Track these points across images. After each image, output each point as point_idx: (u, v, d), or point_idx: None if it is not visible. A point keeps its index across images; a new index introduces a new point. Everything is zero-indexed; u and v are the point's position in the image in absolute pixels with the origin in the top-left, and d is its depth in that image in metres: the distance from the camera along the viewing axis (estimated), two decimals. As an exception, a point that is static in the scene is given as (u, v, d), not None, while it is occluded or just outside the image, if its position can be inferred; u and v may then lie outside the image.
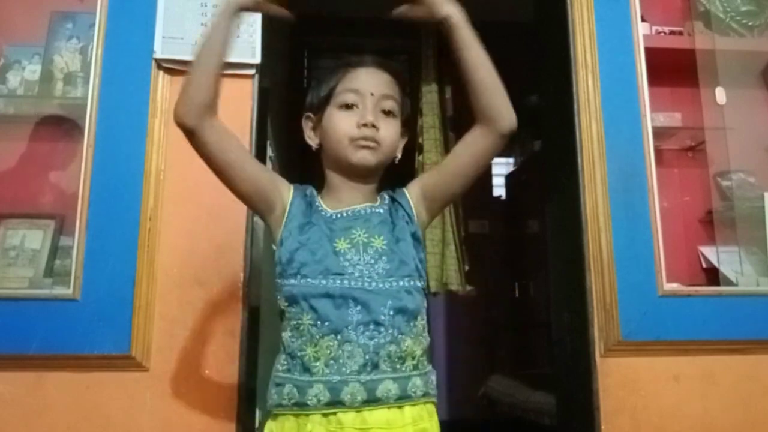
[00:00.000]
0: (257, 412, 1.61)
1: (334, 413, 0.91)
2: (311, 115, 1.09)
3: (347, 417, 0.91)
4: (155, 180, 1.42)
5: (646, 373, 1.47)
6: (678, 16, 1.87)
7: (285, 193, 1.03)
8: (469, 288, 2.40)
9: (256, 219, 1.49)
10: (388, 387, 0.93)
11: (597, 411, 1.43)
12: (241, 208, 1.42)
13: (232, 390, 1.35)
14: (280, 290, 0.99)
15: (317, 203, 1.04)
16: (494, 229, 3.92)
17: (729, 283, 1.63)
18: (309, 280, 0.96)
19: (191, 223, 1.42)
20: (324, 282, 0.95)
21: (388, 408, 0.93)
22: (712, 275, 1.71)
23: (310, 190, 1.07)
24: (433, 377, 1.01)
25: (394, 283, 0.97)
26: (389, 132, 1.04)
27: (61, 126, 1.60)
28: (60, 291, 1.38)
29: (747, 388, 1.48)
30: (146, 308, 1.36)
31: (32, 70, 1.63)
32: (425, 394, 0.97)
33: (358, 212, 1.03)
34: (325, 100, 1.05)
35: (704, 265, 1.77)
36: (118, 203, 1.40)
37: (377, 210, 1.04)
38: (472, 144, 1.04)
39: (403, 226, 1.04)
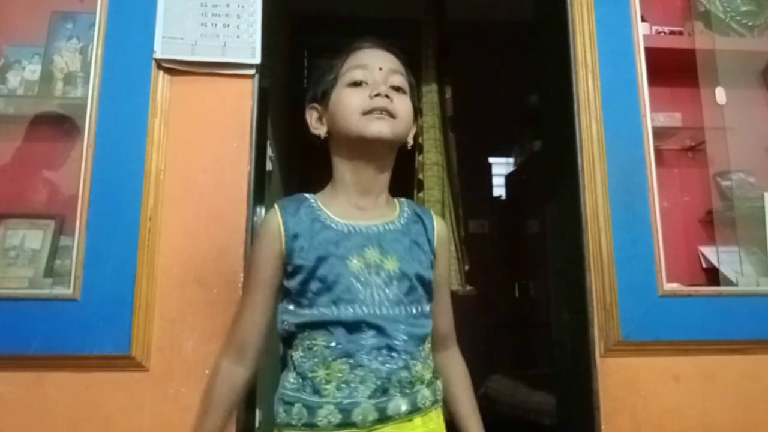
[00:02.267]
0: (257, 412, 1.61)
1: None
2: (316, 105, 1.04)
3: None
4: (155, 180, 1.42)
5: (646, 373, 1.46)
6: (678, 16, 1.87)
7: (277, 239, 0.96)
8: (469, 288, 2.40)
9: (256, 219, 1.49)
10: (398, 404, 0.91)
11: (597, 411, 1.43)
12: (241, 209, 1.42)
13: (232, 390, 1.35)
14: (289, 317, 0.96)
15: (322, 215, 0.98)
16: (494, 229, 3.92)
17: (729, 283, 1.63)
18: (322, 309, 0.93)
19: (191, 223, 1.42)
20: (336, 311, 0.92)
21: (400, 422, 0.92)
22: (712, 275, 1.71)
23: (306, 203, 1.00)
24: (439, 383, 1.00)
25: (404, 310, 0.95)
26: (403, 105, 0.99)
27: (61, 126, 1.60)
28: (60, 291, 1.38)
29: (747, 388, 1.48)
30: (146, 308, 1.36)
31: (32, 70, 1.63)
32: (434, 402, 0.97)
33: (371, 229, 0.98)
34: (332, 84, 1.01)
35: (704, 265, 1.77)
36: (118, 203, 1.40)
37: (392, 226, 1.00)
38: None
39: (422, 249, 1.01)
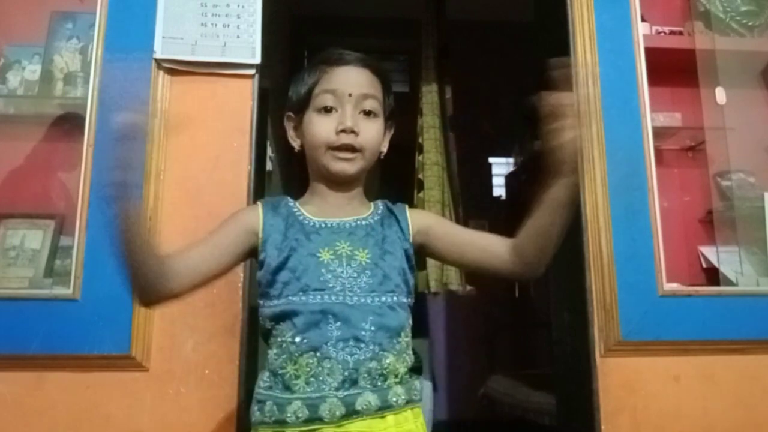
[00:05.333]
0: (257, 412, 1.61)
1: (314, 429, 0.90)
2: (292, 114, 1.06)
3: (327, 429, 0.90)
4: (155, 180, 1.42)
5: (646, 373, 1.46)
6: (678, 16, 1.87)
7: (253, 223, 0.99)
8: (469, 288, 2.40)
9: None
10: (367, 399, 0.91)
11: (597, 411, 1.43)
12: (241, 208, 1.42)
13: (232, 390, 1.35)
14: (263, 311, 0.97)
15: (297, 212, 1.01)
16: (494, 229, 3.91)
17: (729, 283, 1.63)
18: (290, 298, 0.94)
19: (191, 223, 1.42)
20: (304, 299, 0.93)
21: (371, 418, 0.91)
22: (712, 275, 1.71)
23: (285, 201, 1.03)
24: (417, 384, 0.99)
25: (376, 299, 0.95)
26: (370, 134, 1.00)
27: (62, 126, 1.60)
28: (60, 291, 1.38)
29: (747, 388, 1.48)
30: (146, 308, 1.36)
31: (32, 70, 1.63)
32: (408, 401, 0.95)
33: (342, 225, 1.00)
34: (304, 102, 1.02)
35: (704, 265, 1.77)
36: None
37: (364, 222, 1.02)
38: (489, 255, 1.03)
39: (395, 240, 1.01)
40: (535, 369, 3.19)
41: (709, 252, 1.76)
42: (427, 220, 1.08)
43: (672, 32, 1.81)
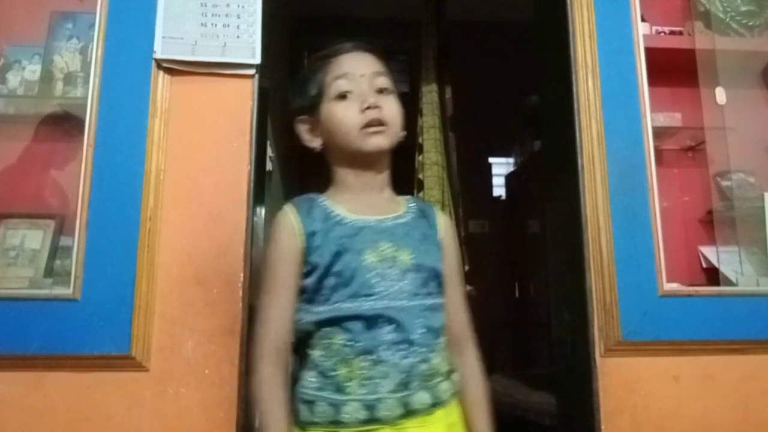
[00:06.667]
0: (257, 412, 1.61)
1: (372, 430, 0.90)
2: (305, 117, 1.05)
3: (385, 430, 0.91)
4: (155, 180, 1.42)
5: (646, 373, 1.47)
6: (678, 16, 1.87)
7: (298, 241, 0.97)
8: (469, 288, 2.39)
9: (256, 219, 1.49)
10: (422, 398, 0.92)
11: (597, 411, 1.43)
12: (241, 209, 1.42)
13: (232, 390, 1.35)
14: (306, 316, 0.96)
15: (333, 213, 0.99)
16: (494, 229, 3.93)
17: (729, 283, 1.63)
18: (338, 304, 0.93)
19: (191, 223, 1.42)
20: (353, 305, 0.93)
21: (425, 415, 0.93)
22: (712, 275, 1.71)
23: (316, 202, 1.01)
24: (455, 376, 1.01)
25: (420, 302, 0.96)
26: (392, 108, 1.01)
27: (61, 126, 1.61)
28: (60, 291, 1.38)
29: (747, 388, 1.48)
30: (146, 308, 1.36)
31: (32, 70, 1.64)
32: (453, 394, 0.98)
33: (383, 224, 0.99)
34: (318, 97, 1.02)
35: (704, 265, 1.77)
36: (118, 203, 1.40)
37: (401, 221, 1.01)
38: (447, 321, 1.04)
39: (431, 239, 1.02)
40: (535, 369, 3.19)
41: (709, 252, 1.76)
42: (449, 244, 1.07)
43: (672, 32, 1.81)
